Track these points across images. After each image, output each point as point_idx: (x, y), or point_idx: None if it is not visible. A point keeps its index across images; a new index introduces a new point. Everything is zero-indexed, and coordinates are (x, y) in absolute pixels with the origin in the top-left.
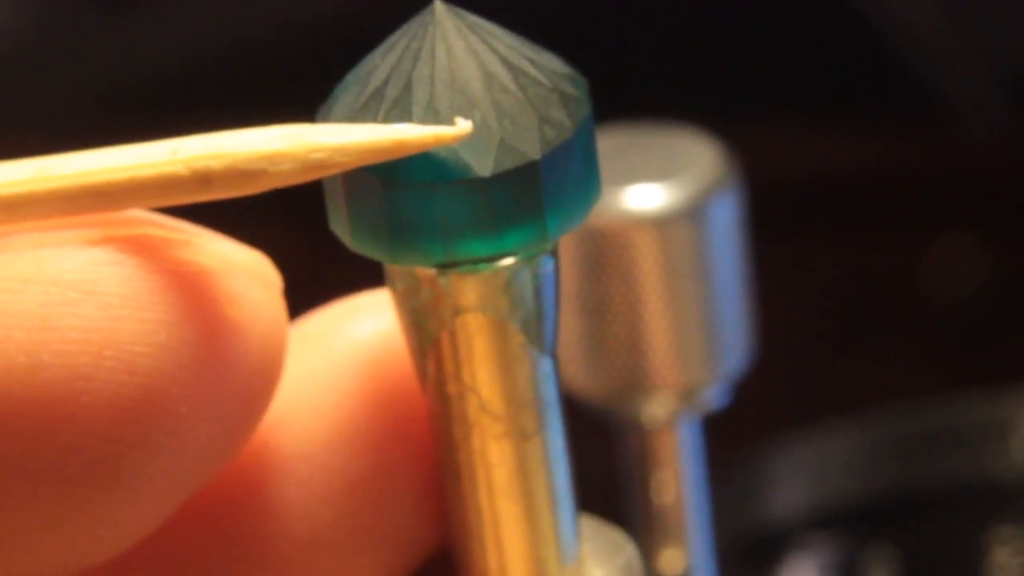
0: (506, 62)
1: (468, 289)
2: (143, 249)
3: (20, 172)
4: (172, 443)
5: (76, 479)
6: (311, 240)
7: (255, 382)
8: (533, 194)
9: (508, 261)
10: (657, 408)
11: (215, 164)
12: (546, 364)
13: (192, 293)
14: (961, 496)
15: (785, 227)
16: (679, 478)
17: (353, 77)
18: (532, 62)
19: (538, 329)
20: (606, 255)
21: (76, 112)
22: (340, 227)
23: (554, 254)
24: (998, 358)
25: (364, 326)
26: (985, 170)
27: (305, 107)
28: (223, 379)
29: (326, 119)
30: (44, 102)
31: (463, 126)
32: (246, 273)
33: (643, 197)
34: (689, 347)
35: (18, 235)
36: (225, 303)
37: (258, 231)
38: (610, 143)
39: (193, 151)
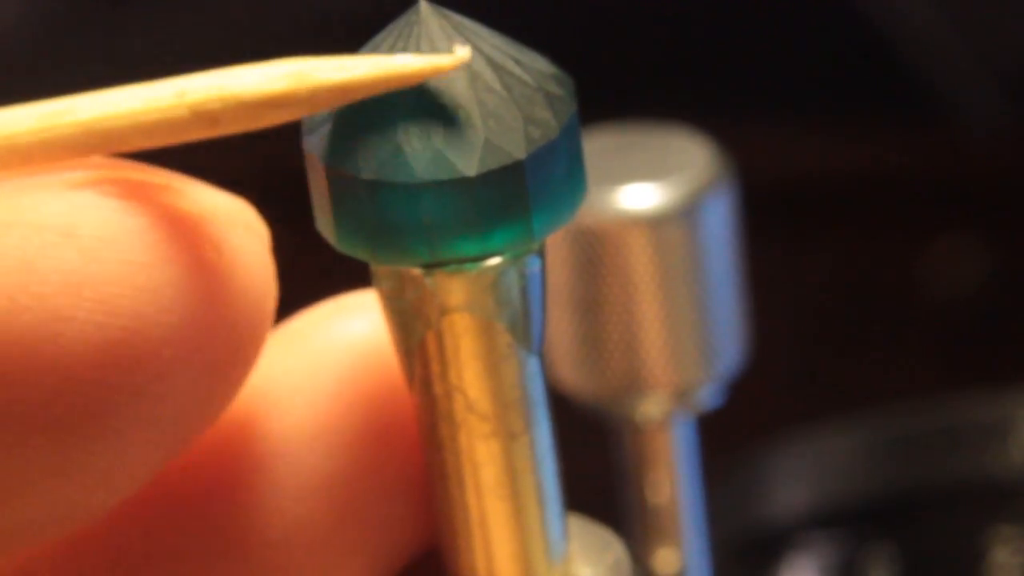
0: (491, 62)
1: (454, 289)
2: (124, 193)
3: (29, 118)
4: (156, 387)
5: (61, 424)
6: (298, 240)
7: (241, 328)
8: (519, 194)
9: (494, 261)
10: (651, 408)
11: (219, 107)
12: (533, 364)
13: (173, 237)
14: (961, 496)
15: (785, 226)
16: (674, 478)
17: None
18: (517, 62)
19: (525, 329)
20: (600, 255)
21: None
22: (326, 227)
23: (541, 254)
24: (998, 358)
25: (348, 326)
26: (985, 170)
27: None
28: (207, 323)
29: (311, 119)
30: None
31: (461, 54)
32: (229, 219)
33: (637, 197)
34: (683, 347)
35: (2, 184)
36: (208, 247)
37: None
38: (604, 143)
39: (198, 94)
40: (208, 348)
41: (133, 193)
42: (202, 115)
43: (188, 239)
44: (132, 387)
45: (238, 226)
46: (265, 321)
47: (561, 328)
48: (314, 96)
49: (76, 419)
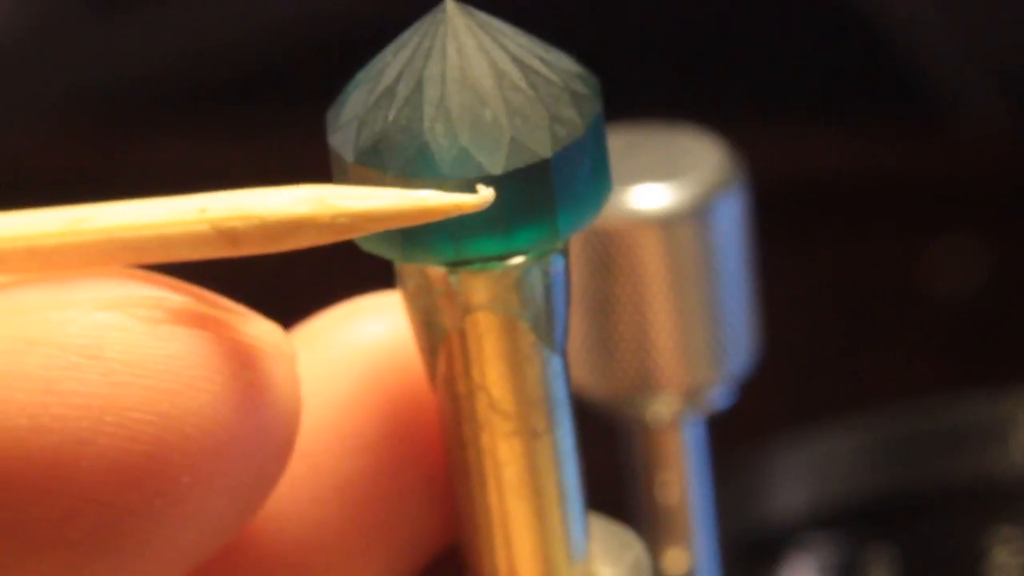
0: (517, 60)
1: (479, 288)
2: (152, 316)
3: (53, 223)
4: (174, 512)
5: (76, 543)
6: None
7: (263, 456)
8: (544, 192)
9: (519, 260)
10: (662, 408)
11: (241, 226)
12: (556, 363)
13: (201, 363)
14: (961, 496)
15: (785, 227)
16: (683, 478)
17: (364, 75)
18: (543, 60)
19: (548, 328)
20: (611, 255)
21: (74, 112)
22: None
23: (565, 253)
24: (998, 358)
25: (367, 328)
26: (985, 170)
27: (304, 107)
28: (228, 451)
29: (337, 117)
30: (42, 102)
31: (484, 194)
32: (259, 344)
33: (648, 197)
34: (694, 347)
35: (31, 294)
36: (235, 375)
37: None
38: (615, 142)
39: (220, 212)
40: (230, 474)
41: (162, 316)
42: (223, 232)
43: (216, 366)
44: (149, 511)
45: (267, 352)
46: (289, 445)
47: (572, 328)
48: (335, 222)
49: (90, 539)
